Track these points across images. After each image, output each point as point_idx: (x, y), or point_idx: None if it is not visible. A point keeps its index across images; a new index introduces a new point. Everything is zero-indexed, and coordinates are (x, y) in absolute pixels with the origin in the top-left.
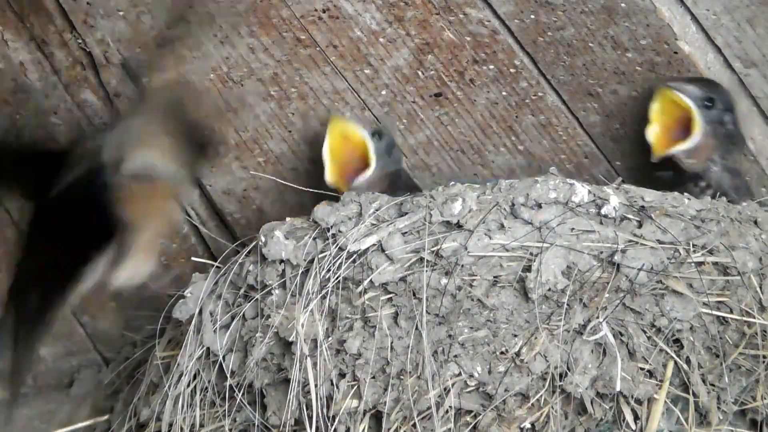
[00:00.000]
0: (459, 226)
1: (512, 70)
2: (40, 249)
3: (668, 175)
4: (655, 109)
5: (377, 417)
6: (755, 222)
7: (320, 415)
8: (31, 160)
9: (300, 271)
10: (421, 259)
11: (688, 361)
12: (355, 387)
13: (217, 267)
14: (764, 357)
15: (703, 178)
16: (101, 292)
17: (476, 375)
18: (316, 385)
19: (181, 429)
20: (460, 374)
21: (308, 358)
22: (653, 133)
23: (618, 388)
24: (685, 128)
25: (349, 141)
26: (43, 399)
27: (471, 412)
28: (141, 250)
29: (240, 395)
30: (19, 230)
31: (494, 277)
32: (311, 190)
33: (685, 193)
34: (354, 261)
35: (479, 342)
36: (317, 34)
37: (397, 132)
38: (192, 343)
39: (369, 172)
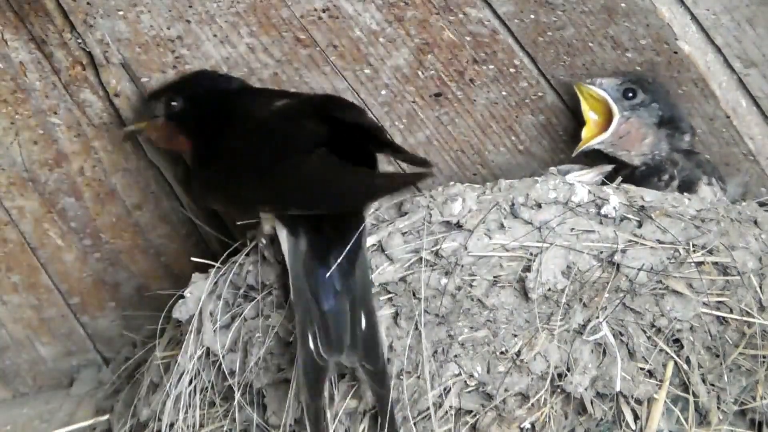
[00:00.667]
0: (459, 226)
1: (512, 70)
2: None
3: (610, 171)
4: (584, 108)
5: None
6: (755, 222)
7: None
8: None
9: None
10: (421, 259)
11: (688, 361)
12: (355, 387)
13: (217, 267)
14: (764, 357)
15: (661, 170)
16: None
17: (476, 375)
18: None
19: (181, 429)
20: (460, 374)
21: None
22: (584, 131)
23: (618, 388)
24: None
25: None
26: (43, 399)
27: (471, 412)
28: None
29: (240, 395)
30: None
31: (494, 277)
32: None
33: (686, 193)
34: None
35: (479, 342)
36: (317, 34)
37: None
38: (192, 343)
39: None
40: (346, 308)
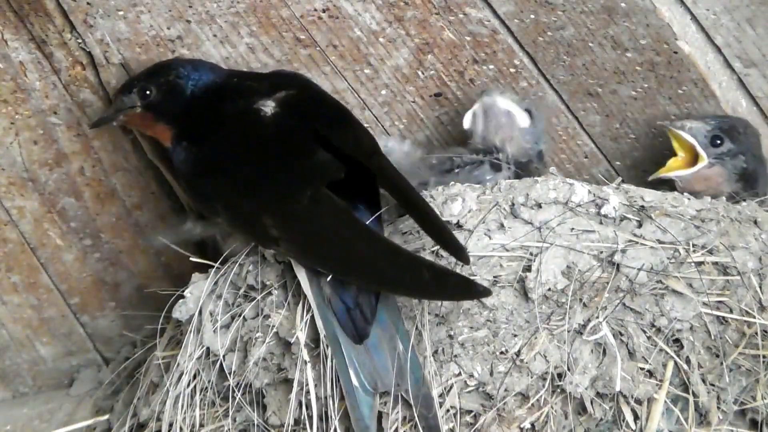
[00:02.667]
0: (459, 226)
1: (512, 70)
2: None
3: None
4: (675, 146)
5: (377, 417)
6: (755, 222)
7: (320, 415)
8: None
9: None
10: None
11: (688, 361)
12: None
13: (217, 267)
14: (764, 357)
15: None
16: None
17: (476, 375)
18: (316, 385)
19: (181, 429)
20: (460, 374)
21: (308, 360)
22: (672, 160)
23: (618, 388)
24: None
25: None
26: (43, 399)
27: (471, 412)
28: None
29: (240, 395)
30: None
31: (494, 277)
32: None
33: (685, 193)
34: None
35: (479, 342)
36: (317, 34)
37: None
38: (192, 343)
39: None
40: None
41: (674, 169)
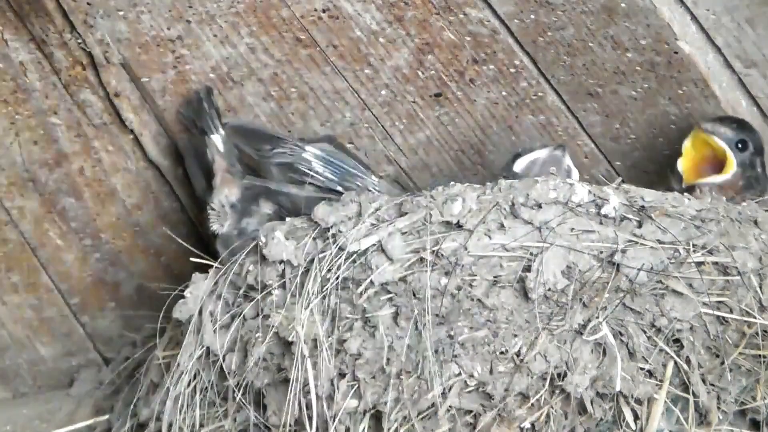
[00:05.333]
0: (459, 226)
1: (512, 70)
2: None
3: None
4: (687, 145)
5: (377, 417)
6: (755, 222)
7: (320, 415)
8: None
9: (300, 271)
10: (421, 259)
11: (688, 361)
12: (355, 387)
13: (217, 267)
14: (764, 357)
15: None
16: None
17: (476, 375)
18: (316, 385)
19: (181, 429)
20: (460, 374)
21: (308, 358)
22: (683, 164)
23: (618, 388)
24: (711, 164)
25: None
26: (43, 399)
27: (471, 412)
28: None
29: (240, 395)
30: None
31: (494, 277)
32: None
33: (685, 194)
34: (354, 261)
35: (479, 342)
36: (317, 34)
37: None
38: (192, 343)
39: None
40: None
41: (696, 176)
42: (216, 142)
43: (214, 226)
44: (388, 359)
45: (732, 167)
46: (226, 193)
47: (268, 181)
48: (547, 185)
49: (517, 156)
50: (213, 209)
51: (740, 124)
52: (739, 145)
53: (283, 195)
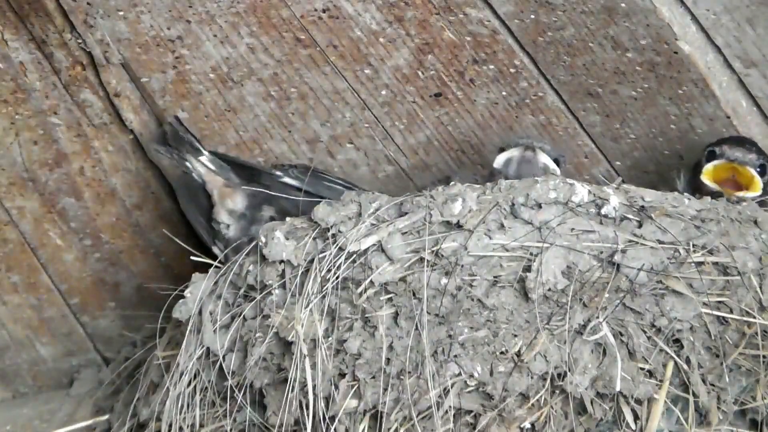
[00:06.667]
0: (459, 226)
1: (512, 70)
2: None
3: None
4: (710, 168)
5: (377, 417)
6: (755, 222)
7: (320, 415)
8: None
9: (300, 271)
10: (421, 259)
11: (688, 361)
12: (355, 387)
13: (216, 267)
14: (764, 357)
15: None
16: None
17: (476, 375)
18: (315, 385)
19: (181, 429)
20: (460, 374)
21: (308, 358)
22: (708, 175)
23: (618, 388)
24: (728, 181)
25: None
26: (43, 399)
27: (471, 412)
28: None
29: (240, 395)
30: None
31: (494, 277)
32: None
33: (685, 194)
34: (354, 261)
35: (479, 342)
36: (317, 34)
37: None
38: (192, 343)
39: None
40: None
41: (733, 189)
42: (205, 162)
43: (229, 234)
44: (388, 359)
45: (759, 188)
46: (230, 206)
47: (268, 186)
48: (547, 185)
49: (501, 150)
50: (219, 223)
51: (757, 149)
52: (759, 170)
53: (284, 199)
